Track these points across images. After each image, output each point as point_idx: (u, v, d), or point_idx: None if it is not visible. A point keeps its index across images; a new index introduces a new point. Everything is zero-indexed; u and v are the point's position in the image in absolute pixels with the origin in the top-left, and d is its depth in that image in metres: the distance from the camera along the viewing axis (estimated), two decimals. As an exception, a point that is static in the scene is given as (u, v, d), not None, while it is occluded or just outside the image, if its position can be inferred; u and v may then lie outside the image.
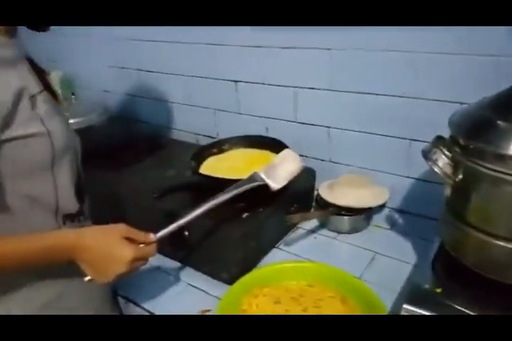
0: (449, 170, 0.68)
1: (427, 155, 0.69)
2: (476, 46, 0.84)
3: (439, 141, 0.69)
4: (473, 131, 0.64)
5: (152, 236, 0.71)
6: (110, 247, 0.66)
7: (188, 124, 1.44)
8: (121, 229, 0.68)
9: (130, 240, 0.67)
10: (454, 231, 0.71)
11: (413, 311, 0.66)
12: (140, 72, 1.48)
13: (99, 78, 1.62)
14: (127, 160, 1.27)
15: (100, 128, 1.37)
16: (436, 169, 0.68)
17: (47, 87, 0.70)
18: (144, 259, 0.70)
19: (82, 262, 0.66)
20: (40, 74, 0.70)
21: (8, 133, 0.60)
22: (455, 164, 0.67)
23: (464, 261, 0.70)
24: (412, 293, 0.70)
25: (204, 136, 1.41)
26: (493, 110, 0.63)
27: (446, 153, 0.67)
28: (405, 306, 0.66)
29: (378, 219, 1.08)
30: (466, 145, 0.64)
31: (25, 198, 0.67)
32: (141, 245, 0.69)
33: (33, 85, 0.65)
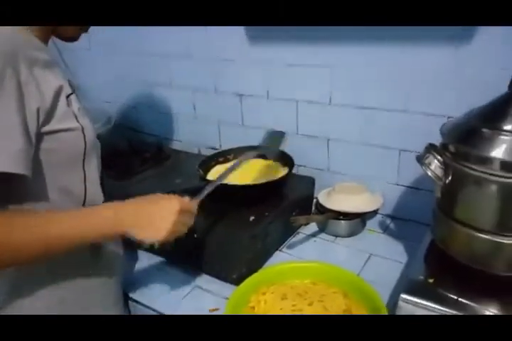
0: (440, 173, 0.76)
1: (420, 160, 0.78)
2: (462, 66, 0.95)
3: (431, 147, 0.78)
4: (462, 138, 0.73)
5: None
6: (156, 199, 0.71)
7: (191, 136, 1.52)
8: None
9: None
10: (444, 227, 0.80)
11: (409, 300, 0.74)
12: (144, 84, 1.55)
13: (102, 90, 1.69)
14: (134, 168, 1.33)
15: (105, 138, 1.43)
16: (428, 172, 0.77)
17: (73, 90, 0.76)
18: (190, 212, 0.73)
19: (130, 227, 0.67)
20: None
21: (48, 127, 0.66)
22: (445, 167, 0.76)
23: (453, 254, 0.78)
24: (408, 284, 0.78)
25: (207, 147, 1.48)
26: (479, 120, 0.73)
27: (438, 157, 0.76)
28: (402, 295, 0.74)
29: (372, 224, 1.17)
30: (456, 150, 0.73)
31: (58, 190, 0.71)
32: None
33: (67, 86, 0.71)
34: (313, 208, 1.20)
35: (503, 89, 0.73)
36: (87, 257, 0.79)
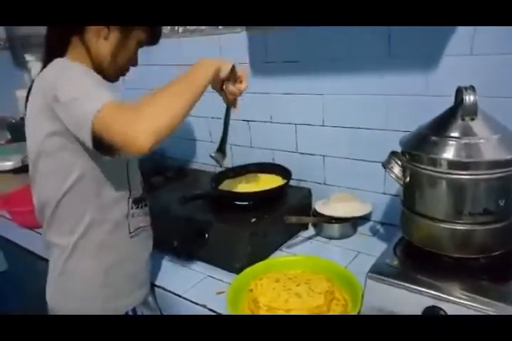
0: (401, 175, 0.93)
1: (385, 165, 0.95)
2: (430, 90, 1.13)
3: (393, 154, 0.96)
4: (415, 145, 0.90)
5: None
6: None
7: (208, 157, 1.72)
8: None
9: None
10: (407, 220, 0.96)
11: (374, 277, 0.89)
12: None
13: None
14: (156, 185, 1.54)
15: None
16: (392, 174, 0.94)
17: None
18: None
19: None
20: None
21: None
22: (404, 169, 0.92)
23: (416, 242, 0.93)
24: (375, 265, 0.93)
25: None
26: (428, 129, 0.90)
27: (398, 162, 0.94)
28: (369, 273, 0.89)
29: (364, 229, 1.32)
30: (411, 155, 0.90)
31: None
32: None
33: None
34: (311, 216, 1.37)
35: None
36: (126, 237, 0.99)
